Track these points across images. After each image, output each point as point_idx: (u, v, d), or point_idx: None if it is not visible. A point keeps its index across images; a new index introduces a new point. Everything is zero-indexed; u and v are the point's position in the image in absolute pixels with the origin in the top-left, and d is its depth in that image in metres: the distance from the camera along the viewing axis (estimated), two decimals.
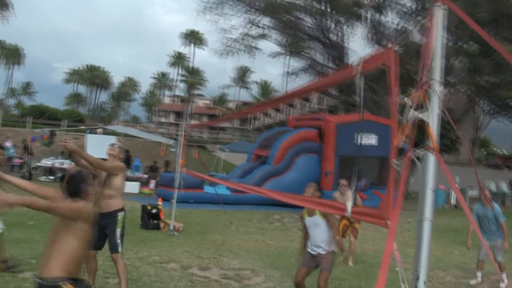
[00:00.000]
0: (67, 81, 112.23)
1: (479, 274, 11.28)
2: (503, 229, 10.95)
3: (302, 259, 8.40)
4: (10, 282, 8.61)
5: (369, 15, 31.17)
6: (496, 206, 11.16)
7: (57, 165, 28.84)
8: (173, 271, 10.37)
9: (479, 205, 11.31)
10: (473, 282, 11.19)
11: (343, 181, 12.86)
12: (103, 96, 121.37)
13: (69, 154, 32.95)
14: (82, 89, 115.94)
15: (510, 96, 39.55)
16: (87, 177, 5.65)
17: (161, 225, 16.17)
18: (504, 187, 39.45)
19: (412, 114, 3.15)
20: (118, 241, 8.36)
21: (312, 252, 8.18)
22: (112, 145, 8.78)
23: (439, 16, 3.31)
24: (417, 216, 3.37)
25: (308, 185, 8.26)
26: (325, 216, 7.98)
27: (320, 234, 8.08)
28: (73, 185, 5.53)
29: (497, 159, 57.17)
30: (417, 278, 3.25)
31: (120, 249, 8.34)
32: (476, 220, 11.00)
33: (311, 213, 8.16)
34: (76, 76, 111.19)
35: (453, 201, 30.21)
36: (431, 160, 3.23)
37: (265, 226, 18.80)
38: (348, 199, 11.48)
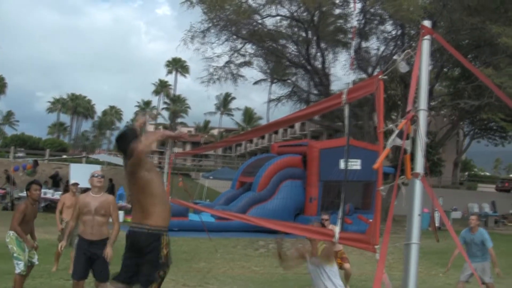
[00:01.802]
0: (50, 110, 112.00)
1: None
2: (491, 255, 10.90)
3: None
4: None
5: (353, 43, 31.42)
6: (484, 231, 11.14)
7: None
8: None
9: (467, 230, 11.28)
10: None
11: (325, 216, 12.82)
12: (86, 125, 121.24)
13: (52, 184, 32.89)
14: (65, 118, 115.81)
15: (492, 119, 39.97)
16: (136, 133, 5.93)
17: None
18: (487, 208, 39.74)
19: (395, 141, 3.23)
20: (109, 268, 8.45)
21: None
22: (98, 176, 8.82)
23: (424, 47, 3.41)
24: (403, 240, 3.44)
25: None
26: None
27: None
28: (125, 142, 5.83)
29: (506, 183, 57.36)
30: None
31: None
32: (463, 245, 10.99)
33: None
34: (59, 105, 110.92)
35: (436, 224, 30.35)
36: (418, 186, 3.31)
37: (250, 252, 18.78)
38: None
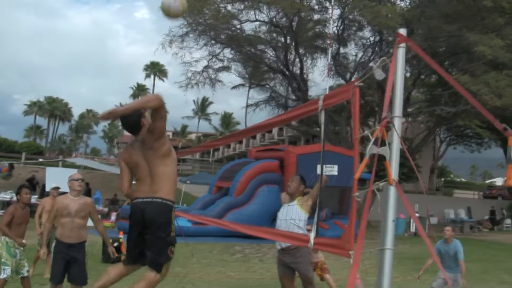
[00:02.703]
0: (27, 113, 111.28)
1: None
2: (461, 267, 10.95)
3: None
4: None
5: (330, 49, 31.57)
6: (459, 243, 11.16)
7: (15, 198, 28.38)
8: None
9: (442, 241, 11.31)
10: None
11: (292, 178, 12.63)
12: (63, 129, 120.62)
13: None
14: (42, 121, 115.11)
15: (468, 125, 40.34)
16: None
17: (123, 258, 16.01)
18: (463, 214, 40.10)
19: (372, 149, 3.25)
20: (86, 271, 8.45)
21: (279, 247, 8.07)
22: (78, 180, 8.79)
23: (399, 55, 3.44)
24: (379, 245, 3.46)
25: (291, 179, 8.27)
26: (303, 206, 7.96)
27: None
28: (133, 121, 5.78)
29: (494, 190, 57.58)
30: None
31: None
32: (437, 255, 11.03)
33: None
34: (36, 108, 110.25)
35: (412, 229, 30.49)
36: (392, 192, 3.34)
37: (226, 257, 18.76)
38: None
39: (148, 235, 5.88)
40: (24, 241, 9.61)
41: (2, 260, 9.34)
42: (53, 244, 8.39)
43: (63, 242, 8.27)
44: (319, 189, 7.20)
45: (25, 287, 9.66)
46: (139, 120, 5.69)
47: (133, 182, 6.16)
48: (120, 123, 6.02)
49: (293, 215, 8.00)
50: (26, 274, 9.70)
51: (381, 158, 3.40)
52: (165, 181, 5.91)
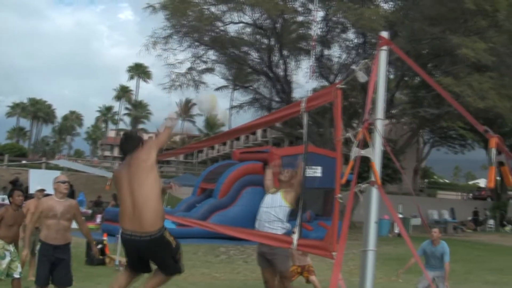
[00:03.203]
0: (10, 114, 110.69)
1: None
2: (445, 269, 10.97)
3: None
4: None
5: (313, 51, 31.63)
6: (446, 245, 11.19)
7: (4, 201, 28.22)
8: None
9: (428, 242, 11.34)
10: None
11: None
12: (47, 130, 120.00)
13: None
14: (25, 123, 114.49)
15: (451, 127, 40.51)
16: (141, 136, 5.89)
17: (107, 260, 16.05)
18: (446, 215, 40.34)
19: (356, 152, 3.28)
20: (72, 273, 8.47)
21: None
22: (65, 182, 8.78)
23: (381, 58, 3.47)
24: (362, 247, 3.49)
25: (286, 170, 8.25)
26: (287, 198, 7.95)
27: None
28: (131, 144, 5.75)
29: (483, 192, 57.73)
30: None
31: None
32: (422, 255, 11.08)
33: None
34: (18, 109, 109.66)
35: (396, 230, 30.61)
36: (374, 194, 3.36)
37: (211, 259, 18.77)
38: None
39: (152, 260, 5.87)
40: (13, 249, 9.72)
41: None
42: (38, 247, 8.37)
43: (48, 244, 8.25)
44: (300, 182, 7.24)
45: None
46: (139, 144, 5.76)
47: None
48: (119, 146, 6.00)
49: (275, 205, 8.04)
50: (17, 276, 9.70)
51: (364, 160, 3.43)
52: (154, 209, 5.80)
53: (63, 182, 8.71)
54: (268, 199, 8.19)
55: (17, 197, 9.84)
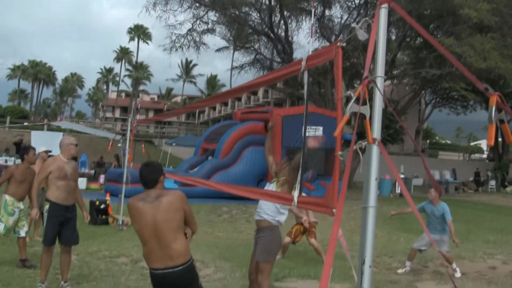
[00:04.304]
0: (10, 77, 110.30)
1: (408, 263, 11.22)
2: (449, 227, 10.92)
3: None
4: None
5: (313, 10, 31.39)
6: (446, 205, 11.17)
7: (0, 162, 28.31)
8: (124, 265, 10.42)
9: (429, 202, 11.33)
10: (400, 271, 11.04)
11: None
12: (48, 92, 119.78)
13: (16, 151, 32.53)
14: (26, 85, 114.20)
15: (453, 88, 40.39)
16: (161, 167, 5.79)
17: (110, 220, 16.17)
18: (448, 175, 40.45)
19: (353, 107, 3.29)
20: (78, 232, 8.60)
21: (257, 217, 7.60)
22: (76, 145, 8.85)
23: (381, 16, 3.47)
24: (362, 205, 3.52)
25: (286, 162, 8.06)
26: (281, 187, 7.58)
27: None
28: (153, 175, 5.66)
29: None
30: (363, 263, 3.39)
31: None
32: (421, 213, 10.99)
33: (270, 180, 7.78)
34: (19, 72, 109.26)
35: (398, 190, 30.73)
36: (374, 151, 3.39)
37: (213, 218, 18.89)
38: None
39: None
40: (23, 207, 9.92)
41: None
42: (46, 207, 8.40)
43: (60, 204, 8.30)
44: (293, 174, 7.07)
45: (20, 246, 9.78)
46: (159, 177, 5.68)
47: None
48: (140, 175, 5.80)
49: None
50: (23, 235, 9.82)
51: (364, 118, 3.45)
52: (180, 240, 5.55)
53: (76, 145, 8.78)
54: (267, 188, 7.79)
55: (33, 156, 10.14)
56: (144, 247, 5.64)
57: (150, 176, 5.63)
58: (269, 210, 7.37)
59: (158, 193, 5.59)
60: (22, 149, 10.49)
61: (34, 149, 10.46)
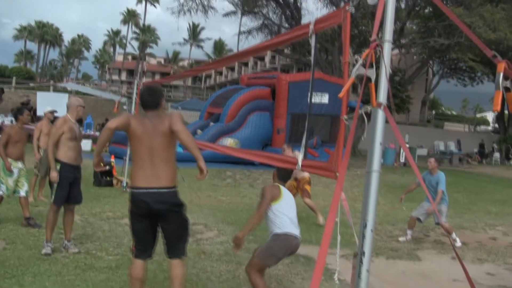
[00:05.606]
0: (17, 37, 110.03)
1: (409, 232, 11.27)
2: (437, 195, 10.92)
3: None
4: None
5: None
6: (442, 175, 11.17)
7: (6, 122, 28.29)
8: (127, 226, 10.42)
9: (427, 172, 11.37)
10: (401, 239, 11.13)
11: (284, 146, 12.60)
12: (54, 54, 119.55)
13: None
14: (32, 46, 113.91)
15: (461, 59, 40.18)
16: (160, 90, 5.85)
17: (114, 182, 16.23)
18: (452, 146, 40.40)
19: (360, 70, 3.28)
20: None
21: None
22: (84, 107, 8.91)
23: None
24: (366, 168, 3.52)
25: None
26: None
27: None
28: (154, 98, 5.70)
29: None
30: (365, 226, 3.41)
31: None
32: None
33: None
34: (25, 32, 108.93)
35: (402, 159, 30.72)
36: (380, 115, 3.38)
37: (217, 182, 18.95)
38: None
39: (165, 224, 5.63)
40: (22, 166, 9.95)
41: None
42: (58, 167, 8.39)
43: (71, 165, 8.33)
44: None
45: (22, 205, 9.85)
46: (161, 100, 5.70)
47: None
48: (140, 98, 5.82)
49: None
50: (22, 194, 9.88)
51: (370, 82, 3.44)
52: (172, 165, 5.63)
53: (84, 107, 8.82)
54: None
55: (27, 116, 10.08)
56: (134, 165, 5.65)
57: (151, 99, 5.66)
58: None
59: (159, 114, 5.64)
60: (16, 110, 10.51)
61: (29, 110, 10.47)
